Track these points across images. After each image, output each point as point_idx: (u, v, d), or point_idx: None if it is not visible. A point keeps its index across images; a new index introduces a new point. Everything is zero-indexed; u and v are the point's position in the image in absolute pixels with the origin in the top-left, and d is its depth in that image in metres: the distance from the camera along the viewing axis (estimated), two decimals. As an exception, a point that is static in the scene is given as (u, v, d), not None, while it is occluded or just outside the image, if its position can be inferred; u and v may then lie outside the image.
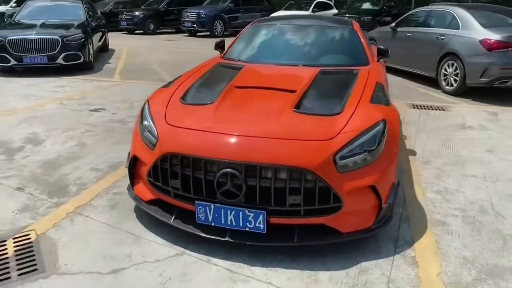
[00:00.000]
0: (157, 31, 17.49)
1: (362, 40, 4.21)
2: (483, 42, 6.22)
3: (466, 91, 6.62)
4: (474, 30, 6.50)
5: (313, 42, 4.25)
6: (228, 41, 4.77)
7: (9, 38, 7.78)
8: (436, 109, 5.94)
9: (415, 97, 6.66)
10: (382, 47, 4.23)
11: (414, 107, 6.04)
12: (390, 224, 2.69)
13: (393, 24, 8.63)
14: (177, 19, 17.20)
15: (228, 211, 2.42)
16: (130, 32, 17.34)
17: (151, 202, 2.78)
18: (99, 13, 12.11)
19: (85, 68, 8.53)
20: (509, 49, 6.05)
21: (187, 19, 16.39)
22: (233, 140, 2.48)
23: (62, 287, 2.22)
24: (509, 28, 6.45)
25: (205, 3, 18.07)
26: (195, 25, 16.24)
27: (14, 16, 9.44)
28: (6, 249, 2.54)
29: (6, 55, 7.80)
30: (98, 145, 4.31)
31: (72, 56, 8.13)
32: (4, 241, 2.62)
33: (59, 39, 7.96)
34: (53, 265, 2.40)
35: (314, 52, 4.16)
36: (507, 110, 5.96)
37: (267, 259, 2.47)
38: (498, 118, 5.57)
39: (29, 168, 3.72)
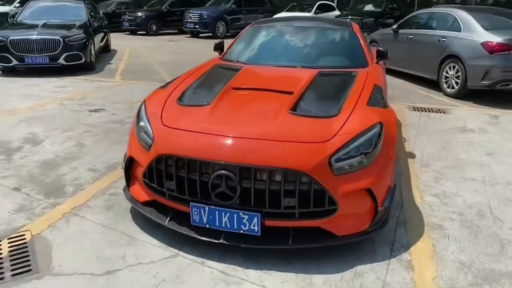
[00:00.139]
0: (160, 32, 17.51)
1: (361, 42, 4.19)
2: (484, 44, 6.19)
3: (467, 94, 6.59)
4: (475, 32, 6.47)
5: (312, 43, 4.24)
6: (229, 42, 4.76)
7: (11, 38, 7.80)
8: (436, 112, 5.92)
9: (416, 100, 6.64)
10: (381, 49, 4.22)
11: (415, 110, 6.01)
12: (387, 227, 2.68)
13: (394, 26, 8.61)
14: (180, 20, 17.20)
15: (223, 213, 2.41)
16: (133, 33, 17.36)
17: (147, 204, 2.77)
18: (101, 14, 12.14)
19: (86, 68, 8.54)
20: (510, 51, 6.02)
21: (189, 20, 16.41)
22: (228, 141, 2.47)
23: (55, 288, 2.22)
24: (511, 31, 6.42)
25: (208, 4, 18.09)
26: (197, 26, 16.25)
27: (16, 17, 9.48)
28: (0, 249, 2.54)
29: (8, 55, 7.82)
30: (96, 146, 4.31)
31: (74, 57, 8.15)
32: (-1, 241, 2.62)
33: (61, 39, 7.98)
34: (47, 265, 2.39)
35: (312, 53, 4.15)
36: (508, 113, 5.92)
37: (262, 261, 2.46)
38: (499, 121, 5.53)
39: (26, 168, 3.72)
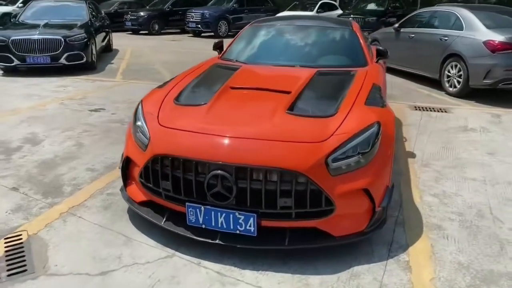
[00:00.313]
0: (162, 31, 17.51)
1: (361, 41, 4.16)
2: (487, 43, 6.14)
3: (469, 93, 6.54)
4: (478, 31, 6.42)
5: (311, 42, 4.21)
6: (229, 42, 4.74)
7: (12, 38, 7.82)
8: (438, 111, 5.88)
9: (417, 99, 6.60)
10: (381, 47, 4.19)
11: (416, 109, 5.98)
12: (385, 227, 2.66)
13: (396, 25, 8.57)
14: (182, 19, 17.21)
15: (219, 214, 2.39)
16: (135, 32, 17.39)
17: (144, 204, 2.76)
18: (103, 14, 12.15)
19: (88, 68, 8.55)
20: (513, 50, 5.97)
21: (191, 20, 16.41)
22: (223, 141, 2.45)
23: (50, 289, 2.21)
24: (514, 29, 6.37)
25: (210, 3, 18.08)
26: (199, 26, 16.25)
27: (18, 16, 9.50)
28: (-4, 249, 2.54)
29: (9, 55, 7.84)
30: (95, 145, 4.31)
31: (75, 56, 8.15)
32: (-5, 241, 2.62)
33: (62, 39, 7.99)
34: (43, 266, 2.39)
35: (312, 53, 4.12)
36: (510, 112, 5.88)
37: (258, 262, 2.44)
38: (501, 120, 5.49)
39: (25, 168, 3.72)
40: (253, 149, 2.39)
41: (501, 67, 6.01)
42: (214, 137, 2.49)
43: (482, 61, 6.17)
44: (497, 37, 6.09)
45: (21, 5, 17.20)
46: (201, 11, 16.28)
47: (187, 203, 2.44)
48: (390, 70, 8.02)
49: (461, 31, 6.69)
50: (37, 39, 7.89)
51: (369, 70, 3.66)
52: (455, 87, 6.70)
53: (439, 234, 2.77)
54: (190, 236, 2.49)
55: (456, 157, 4.15)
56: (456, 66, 6.64)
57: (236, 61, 4.03)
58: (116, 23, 16.22)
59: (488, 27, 6.40)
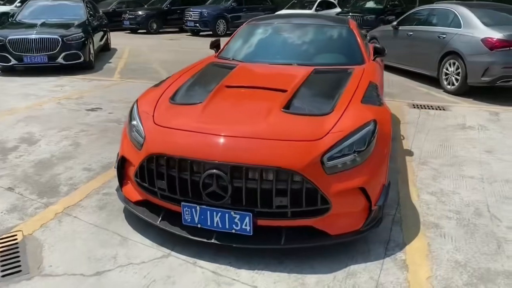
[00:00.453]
0: (160, 30, 17.48)
1: (358, 39, 4.15)
2: (485, 41, 6.12)
3: (467, 91, 6.52)
4: (476, 28, 6.41)
5: (308, 41, 4.20)
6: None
7: (9, 37, 7.80)
8: (436, 109, 5.86)
9: (416, 97, 6.58)
10: (378, 45, 4.18)
11: (414, 107, 5.96)
12: (382, 226, 2.65)
13: (394, 23, 8.54)
14: (180, 18, 17.16)
15: (214, 213, 2.38)
16: (133, 31, 17.34)
17: (139, 203, 2.75)
18: (101, 13, 12.12)
19: (85, 67, 8.52)
20: (511, 48, 5.95)
21: (189, 19, 16.36)
22: (219, 140, 2.44)
23: (44, 289, 2.20)
24: (512, 27, 6.36)
25: (208, 2, 18.03)
26: (197, 25, 16.21)
27: (15, 16, 9.48)
28: (-9, 250, 2.53)
29: (6, 54, 7.82)
30: (92, 145, 4.29)
31: (72, 56, 8.13)
32: (-10, 242, 2.60)
33: (59, 38, 7.96)
34: (37, 266, 2.38)
35: (308, 51, 4.11)
36: (508, 110, 5.86)
37: (254, 261, 2.43)
38: (499, 118, 5.48)
39: (21, 168, 3.70)
40: (248, 148, 2.38)
41: (499, 64, 5.99)
42: (209, 136, 2.47)
43: (480, 59, 6.16)
44: (495, 35, 6.07)
45: (19, 4, 17.14)
46: (200, 10, 16.24)
47: (182, 203, 2.42)
48: (389, 68, 8.01)
49: (459, 29, 6.67)
50: (34, 39, 7.87)
51: (366, 68, 3.65)
52: (453, 85, 6.69)
53: (436, 232, 2.76)
54: (186, 235, 2.47)
55: (454, 155, 4.14)
56: (454, 63, 6.62)
57: (233, 59, 4.02)
58: (114, 22, 16.21)
59: (486, 24, 6.38)
